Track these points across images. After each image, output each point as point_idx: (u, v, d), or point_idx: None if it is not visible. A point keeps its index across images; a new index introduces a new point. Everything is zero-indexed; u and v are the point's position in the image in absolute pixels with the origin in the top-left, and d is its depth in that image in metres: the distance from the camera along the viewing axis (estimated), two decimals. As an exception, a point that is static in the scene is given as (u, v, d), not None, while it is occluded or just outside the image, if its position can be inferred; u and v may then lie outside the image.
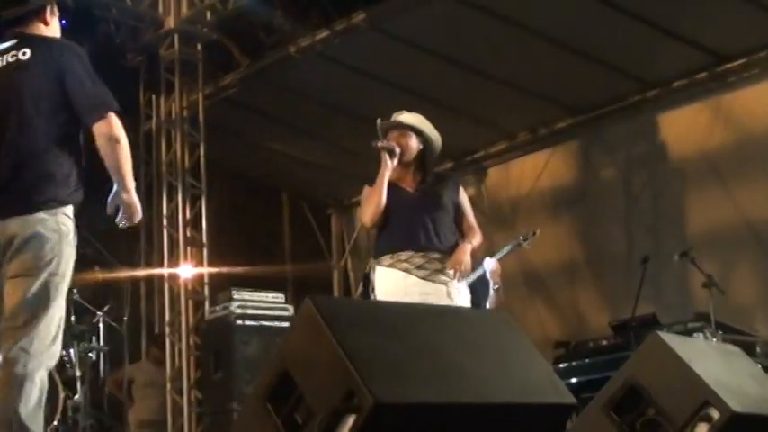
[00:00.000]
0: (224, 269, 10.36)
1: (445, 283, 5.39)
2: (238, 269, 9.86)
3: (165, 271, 9.98)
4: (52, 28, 4.53)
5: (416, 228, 5.41)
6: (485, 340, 3.44)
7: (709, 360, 3.95)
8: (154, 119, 10.54)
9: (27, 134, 4.26)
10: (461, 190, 5.76)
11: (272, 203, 13.20)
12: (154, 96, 10.52)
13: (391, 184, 5.48)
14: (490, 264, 7.17)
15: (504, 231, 10.87)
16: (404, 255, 5.39)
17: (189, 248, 9.97)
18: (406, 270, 5.36)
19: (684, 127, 10.25)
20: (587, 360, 8.56)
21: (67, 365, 7.61)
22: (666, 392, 3.77)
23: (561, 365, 8.56)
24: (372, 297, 5.43)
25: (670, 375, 3.75)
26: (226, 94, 10.87)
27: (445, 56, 9.88)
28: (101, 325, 7.86)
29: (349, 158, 11.46)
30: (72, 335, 7.59)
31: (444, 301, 5.30)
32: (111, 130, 4.24)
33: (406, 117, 5.65)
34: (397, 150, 5.49)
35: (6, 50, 4.36)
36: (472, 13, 9.25)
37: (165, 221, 10.01)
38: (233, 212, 12.01)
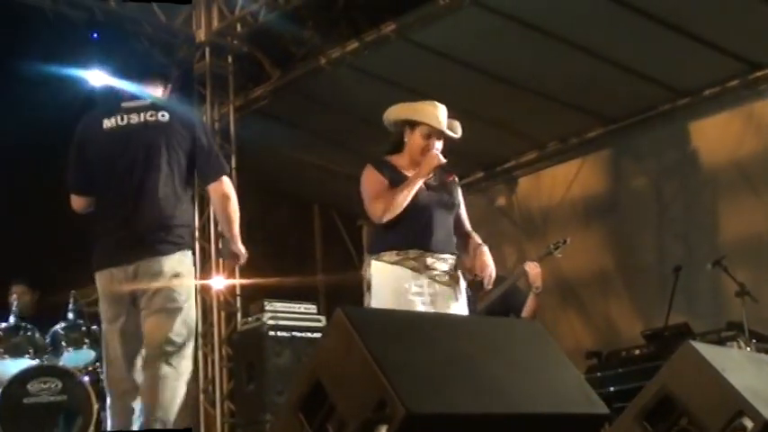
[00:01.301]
0: (256, 281, 10.38)
1: (451, 286, 5.15)
2: (270, 280, 9.84)
3: (198, 282, 10.01)
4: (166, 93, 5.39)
5: (429, 227, 5.12)
6: (517, 350, 3.42)
7: (743, 370, 3.91)
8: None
9: (168, 185, 5.07)
10: (460, 193, 5.49)
11: (303, 214, 13.22)
12: (186, 107, 10.56)
13: (404, 177, 5.21)
14: (532, 267, 7.14)
15: (535, 241, 10.88)
16: (413, 253, 5.09)
17: (221, 260, 9.96)
18: (413, 269, 5.07)
19: (715, 135, 10.19)
20: (620, 370, 8.49)
21: (102, 377, 7.63)
22: (700, 402, 3.73)
23: (594, 375, 8.51)
24: (368, 296, 5.15)
25: (703, 385, 3.71)
26: (257, 105, 10.92)
27: (475, 65, 9.89)
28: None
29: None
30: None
31: (450, 303, 5.11)
32: (225, 190, 5.23)
33: (457, 129, 5.37)
34: (444, 161, 5.22)
35: (143, 109, 5.15)
36: (501, 22, 9.24)
37: (197, 233, 10.02)
38: (264, 223, 12.01)
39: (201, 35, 10.34)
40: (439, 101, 10.09)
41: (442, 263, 5.13)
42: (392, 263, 5.07)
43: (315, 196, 13.21)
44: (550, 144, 11.34)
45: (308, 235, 13.20)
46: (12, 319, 7.71)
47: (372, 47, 9.80)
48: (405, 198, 5.07)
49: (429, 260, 5.08)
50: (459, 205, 5.38)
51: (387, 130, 10.49)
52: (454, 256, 5.21)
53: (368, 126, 11.02)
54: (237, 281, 10.02)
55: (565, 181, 11.31)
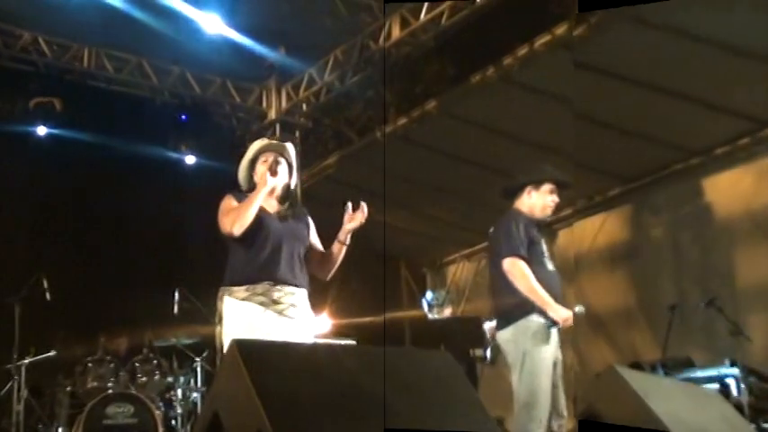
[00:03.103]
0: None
1: (295, 318, 4.57)
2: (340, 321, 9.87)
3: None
4: None
5: (274, 260, 4.58)
6: (422, 382, 3.21)
7: (670, 397, 3.74)
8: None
9: None
10: (312, 225, 5.01)
11: (372, 263, 13.21)
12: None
13: (259, 211, 4.67)
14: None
15: (572, 285, 10.74)
16: (260, 287, 4.53)
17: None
18: (262, 304, 4.51)
19: (729, 188, 9.91)
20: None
21: (174, 404, 7.80)
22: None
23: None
24: (219, 329, 4.58)
25: (625, 408, 3.54)
26: (326, 173, 11.04)
27: (509, 134, 9.84)
28: (198, 369, 8.02)
29: (436, 224, 11.50)
30: (175, 378, 7.81)
31: (292, 335, 4.53)
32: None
33: (284, 144, 4.94)
34: (278, 170, 4.76)
35: None
36: (530, 96, 9.24)
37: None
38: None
39: (272, 114, 10.57)
40: (481, 165, 10.18)
41: (290, 296, 4.60)
42: (242, 299, 4.53)
43: (381, 248, 13.21)
44: (579, 201, 11.19)
45: (376, 283, 13.14)
46: (99, 353, 8.09)
47: (418, 121, 9.92)
48: (247, 207, 4.57)
49: (276, 294, 4.54)
50: (307, 239, 4.88)
51: (437, 191, 10.63)
52: (303, 290, 4.71)
53: (421, 188, 11.17)
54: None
55: (592, 232, 11.16)
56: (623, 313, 10.72)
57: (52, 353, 7.99)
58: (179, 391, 7.83)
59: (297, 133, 10.78)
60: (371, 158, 10.74)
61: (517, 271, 5.24)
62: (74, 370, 8.02)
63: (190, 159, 10.36)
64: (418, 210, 11.68)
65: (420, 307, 13.18)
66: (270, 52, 10.25)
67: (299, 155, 10.74)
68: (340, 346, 5.11)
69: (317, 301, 10.81)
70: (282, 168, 4.80)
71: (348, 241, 4.82)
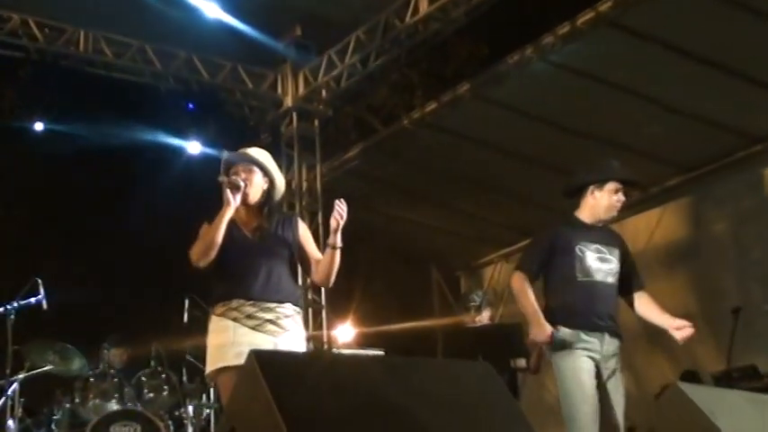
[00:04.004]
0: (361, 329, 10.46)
1: (274, 334, 4.74)
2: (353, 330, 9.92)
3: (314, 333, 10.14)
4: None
5: (249, 275, 4.80)
6: (449, 392, 3.26)
7: (736, 413, 3.74)
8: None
9: None
10: (301, 227, 5.06)
11: (401, 265, 13.25)
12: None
13: (230, 225, 4.84)
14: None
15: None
16: (235, 303, 4.76)
17: (309, 309, 10.16)
18: (235, 319, 4.73)
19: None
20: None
21: (185, 422, 7.86)
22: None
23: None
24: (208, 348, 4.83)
25: (690, 428, 3.55)
26: (348, 166, 11.12)
27: (551, 120, 9.86)
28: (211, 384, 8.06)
29: (470, 222, 11.51)
30: (183, 393, 7.88)
31: None
32: None
33: (254, 152, 5.06)
34: (242, 185, 4.86)
35: None
36: (573, 78, 9.24)
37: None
38: (352, 274, 12.08)
39: (289, 101, 10.66)
40: (516, 155, 10.20)
41: (267, 312, 4.78)
42: (218, 315, 4.80)
43: (410, 249, 13.26)
44: (632, 194, 11.08)
45: (405, 286, 13.19)
46: (101, 367, 8.13)
47: (449, 106, 9.93)
48: (212, 234, 4.76)
49: (250, 309, 4.76)
50: (289, 249, 4.93)
51: (471, 183, 10.66)
52: (283, 305, 4.84)
53: (453, 181, 11.18)
54: (324, 332, 10.05)
55: (647, 229, 11.10)
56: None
57: (49, 367, 8.08)
58: (190, 408, 7.87)
59: (315, 122, 10.87)
60: (398, 149, 10.81)
61: (514, 285, 5.59)
62: (73, 385, 8.07)
63: (198, 152, 10.44)
64: (450, 206, 11.69)
65: (455, 312, 13.23)
66: (285, 33, 10.33)
67: (318, 145, 10.90)
68: (366, 356, 5.13)
69: (338, 309, 10.98)
70: (257, 178, 4.95)
71: (339, 244, 4.84)
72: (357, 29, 10.01)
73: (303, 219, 10.34)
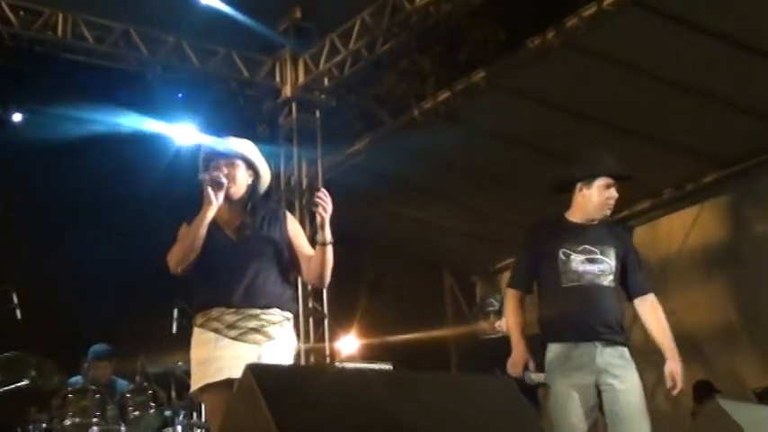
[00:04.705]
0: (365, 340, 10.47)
1: (258, 343, 4.69)
2: (358, 342, 9.95)
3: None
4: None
5: (230, 281, 4.73)
6: (475, 415, 3.25)
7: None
8: (273, 188, 10.84)
9: None
10: (290, 221, 4.98)
11: (410, 270, 13.28)
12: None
13: (210, 225, 4.77)
14: None
15: (656, 293, 10.67)
16: (215, 312, 4.71)
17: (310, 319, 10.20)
18: (216, 330, 4.68)
19: None
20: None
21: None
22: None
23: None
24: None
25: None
26: (353, 161, 11.12)
27: (575, 111, 9.85)
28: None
29: (486, 222, 11.51)
30: (172, 411, 7.89)
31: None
32: None
33: (236, 144, 4.99)
34: (224, 181, 4.80)
35: None
36: (600, 65, 9.24)
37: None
38: (357, 280, 12.13)
39: (287, 90, 10.68)
40: (539, 149, 10.22)
41: (250, 320, 4.72)
42: (199, 326, 4.77)
43: (420, 251, 13.27)
44: (665, 191, 11.16)
45: (416, 291, 13.21)
46: (81, 380, 8.10)
47: (463, 96, 9.94)
48: (190, 236, 4.74)
49: (231, 318, 4.71)
50: (276, 248, 4.87)
51: (487, 181, 10.69)
52: (269, 311, 4.77)
53: (468, 177, 11.19)
54: (327, 344, 10.07)
55: (682, 230, 11.11)
56: (722, 331, 10.69)
57: (24, 382, 8.09)
58: (179, 428, 7.83)
59: (316, 113, 10.89)
60: (408, 143, 10.78)
61: (504, 304, 5.83)
62: (50, 403, 8.05)
63: (188, 146, 10.45)
64: (464, 205, 11.70)
65: (471, 321, 13.20)
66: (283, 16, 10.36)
67: (320, 138, 10.92)
68: (373, 371, 5.11)
69: (341, 318, 11.01)
70: (240, 173, 4.90)
71: (329, 239, 4.79)
72: (362, 11, 10.01)
73: (303, 219, 10.54)
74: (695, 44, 8.82)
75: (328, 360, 10.16)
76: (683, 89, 9.37)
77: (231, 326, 4.68)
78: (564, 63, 9.23)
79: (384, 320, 11.80)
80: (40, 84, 10.06)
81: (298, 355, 10.20)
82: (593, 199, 5.56)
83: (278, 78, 10.86)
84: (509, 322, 5.65)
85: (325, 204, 4.77)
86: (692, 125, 9.80)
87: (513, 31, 9.75)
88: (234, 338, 4.66)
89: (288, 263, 4.88)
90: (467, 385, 3.76)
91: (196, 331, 4.77)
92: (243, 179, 4.90)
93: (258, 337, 4.70)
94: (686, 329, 10.48)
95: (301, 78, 10.75)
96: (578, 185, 5.61)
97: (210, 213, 4.75)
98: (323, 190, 4.80)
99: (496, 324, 7.61)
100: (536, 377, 5.43)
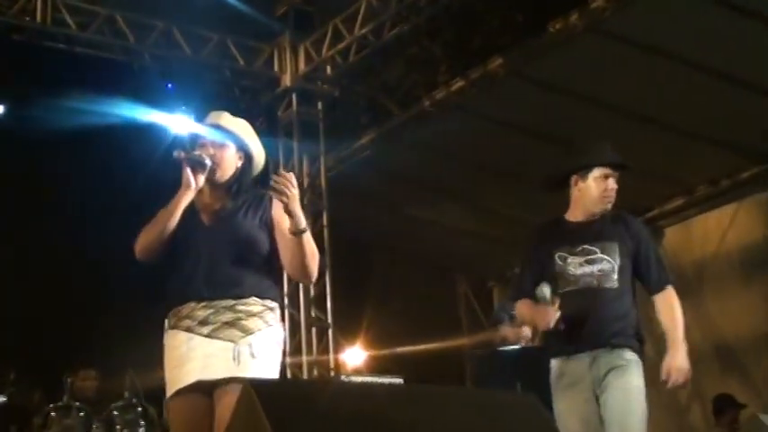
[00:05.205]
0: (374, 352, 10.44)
1: (235, 340, 4.41)
2: (367, 353, 9.94)
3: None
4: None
5: (199, 271, 4.48)
6: (485, 427, 3.22)
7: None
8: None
9: None
10: (276, 207, 4.58)
11: (421, 275, 13.25)
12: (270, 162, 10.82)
13: (186, 209, 4.55)
14: None
15: (690, 299, 10.64)
16: (185, 309, 4.45)
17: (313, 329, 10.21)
18: (188, 329, 4.43)
19: None
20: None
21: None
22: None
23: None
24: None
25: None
26: (358, 157, 11.11)
27: (601, 100, 9.82)
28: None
29: (504, 223, 11.48)
30: (163, 429, 7.88)
31: (230, 366, 4.35)
32: None
33: (228, 122, 4.79)
34: (209, 164, 4.57)
35: None
36: (628, 51, 9.21)
37: (285, 300, 10.17)
38: (363, 286, 12.11)
39: (287, 80, 10.67)
40: (562, 141, 10.20)
41: (224, 312, 4.45)
42: (171, 327, 4.51)
43: (432, 255, 13.26)
44: (699, 188, 11.14)
45: (428, 299, 13.18)
46: (64, 398, 8.05)
47: (479, 85, 9.92)
48: (161, 221, 4.52)
49: (203, 313, 4.45)
50: (255, 232, 4.59)
51: (506, 177, 10.66)
52: (245, 300, 4.50)
53: (484, 174, 11.17)
54: (331, 356, 10.06)
55: (718, 230, 11.09)
56: (761, 338, 10.64)
57: (2, 399, 8.08)
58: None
59: (319, 105, 10.88)
60: (418, 136, 10.78)
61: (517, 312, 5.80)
62: (31, 421, 8.07)
63: (178, 137, 10.43)
64: (480, 204, 11.69)
65: (487, 330, 13.16)
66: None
67: (323, 132, 10.90)
68: (382, 385, 5.03)
69: (347, 328, 10.95)
70: (229, 154, 4.68)
71: (301, 226, 4.42)
72: (368, -7, 10.04)
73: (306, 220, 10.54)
74: (734, 28, 8.78)
75: (333, 373, 10.15)
76: (719, 76, 9.33)
77: (203, 322, 4.42)
78: (589, 48, 9.20)
79: (393, 330, 11.79)
80: (18, 74, 10.04)
81: (298, 368, 10.26)
82: (591, 192, 5.49)
83: (276, 67, 10.86)
84: (525, 312, 5.57)
85: (284, 188, 4.37)
86: (728, 115, 9.76)
87: (533, 13, 9.69)
88: (207, 336, 4.39)
89: (270, 252, 4.58)
90: (485, 401, 3.71)
91: (169, 334, 4.51)
92: (231, 162, 4.68)
93: (234, 332, 4.42)
94: (723, 337, 10.52)
95: (302, 67, 10.75)
96: (573, 179, 5.56)
97: (186, 198, 4.55)
98: (282, 172, 4.42)
99: (522, 332, 7.54)
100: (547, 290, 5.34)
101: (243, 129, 4.80)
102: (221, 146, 4.65)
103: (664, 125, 10.01)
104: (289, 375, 9.94)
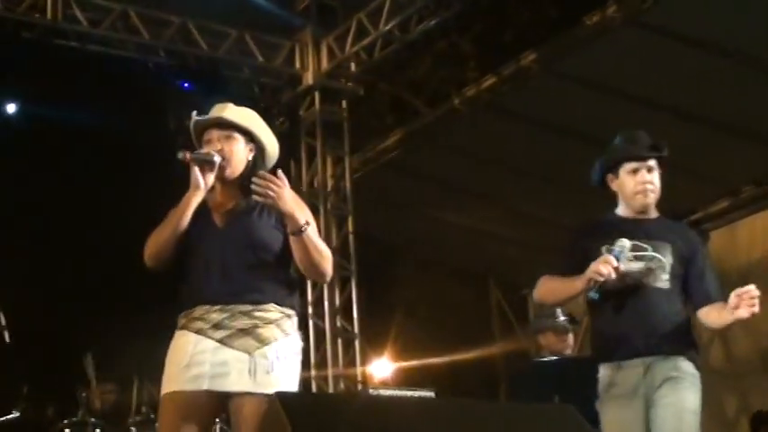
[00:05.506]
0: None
1: (250, 351, 4.35)
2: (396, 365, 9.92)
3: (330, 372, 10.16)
4: None
5: (215, 273, 4.43)
6: None
7: None
8: (294, 190, 10.79)
9: None
10: None
11: (452, 283, 13.23)
12: (293, 163, 10.83)
13: (197, 209, 4.50)
14: None
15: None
16: (198, 311, 4.40)
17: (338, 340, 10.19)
18: (199, 331, 4.38)
19: None
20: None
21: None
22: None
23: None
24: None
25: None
26: (385, 158, 11.10)
27: (640, 97, 9.79)
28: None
29: (538, 227, 11.45)
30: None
31: (245, 379, 4.30)
32: None
33: (234, 113, 4.66)
34: (217, 160, 4.49)
35: None
36: (670, 44, 9.18)
37: (309, 309, 10.17)
38: (391, 294, 12.10)
39: (309, 78, 10.66)
40: (601, 142, 10.14)
41: (241, 318, 4.40)
42: (180, 329, 4.45)
43: (464, 261, 13.24)
44: (745, 189, 11.08)
45: (461, 306, 13.17)
46: (79, 413, 8.01)
47: (512, 82, 9.93)
48: (171, 224, 4.47)
49: (217, 316, 4.40)
50: (274, 233, 4.53)
51: (541, 180, 10.63)
52: (263, 306, 4.44)
53: (518, 176, 11.14)
54: (359, 368, 10.05)
55: (765, 233, 11.03)
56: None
57: (14, 414, 8.09)
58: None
59: (343, 104, 10.83)
60: (447, 137, 10.81)
61: (535, 294, 5.67)
62: (44, 437, 8.11)
63: (181, 135, 10.46)
64: (513, 207, 11.67)
65: (523, 338, 13.14)
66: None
67: (347, 132, 10.89)
68: (412, 399, 4.99)
69: (375, 339, 10.91)
70: (239, 148, 4.58)
71: (300, 224, 4.34)
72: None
73: (329, 224, 10.54)
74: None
75: (360, 387, 10.14)
76: (765, 69, 9.31)
77: (217, 325, 4.37)
78: (627, 42, 9.18)
79: (422, 341, 11.79)
80: (29, 73, 10.07)
81: (323, 380, 10.25)
82: (626, 188, 5.45)
83: (298, 64, 10.82)
84: (547, 285, 5.44)
85: (267, 190, 4.31)
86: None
87: (567, 5, 9.68)
88: (219, 341, 4.35)
89: (288, 253, 4.49)
90: (522, 415, 3.68)
91: (177, 335, 4.45)
92: (241, 156, 4.58)
93: (249, 342, 4.37)
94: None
95: (325, 64, 10.71)
96: (609, 178, 5.56)
97: (197, 199, 4.47)
98: (262, 173, 4.36)
99: (564, 340, 7.48)
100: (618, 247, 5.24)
101: (251, 119, 4.69)
102: (229, 138, 4.57)
103: (707, 122, 9.98)
104: (314, 389, 9.97)
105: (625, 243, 5.03)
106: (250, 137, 4.61)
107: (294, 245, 4.40)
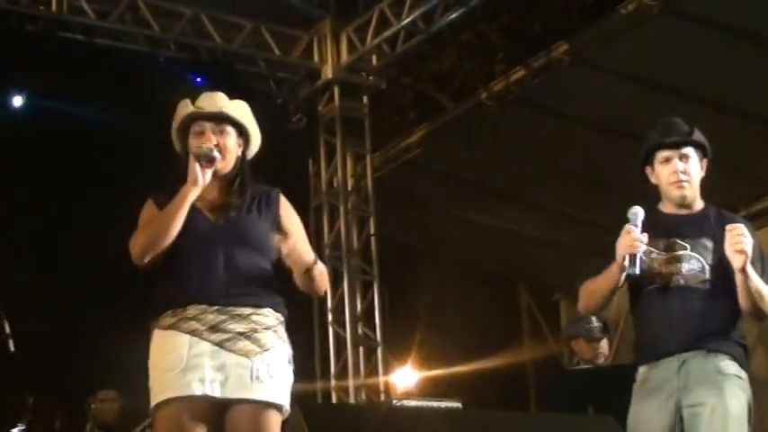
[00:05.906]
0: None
1: (249, 355, 4.35)
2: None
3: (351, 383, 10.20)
4: None
5: (211, 273, 4.41)
6: None
7: None
8: (312, 190, 10.86)
9: None
10: (284, 206, 4.62)
11: (479, 287, 13.24)
12: (311, 162, 10.87)
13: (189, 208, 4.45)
14: None
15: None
16: (192, 310, 4.36)
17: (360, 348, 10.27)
18: (193, 332, 4.33)
19: None
20: None
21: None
22: None
23: None
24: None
25: None
26: (408, 156, 11.15)
27: (678, 90, 9.79)
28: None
29: (571, 228, 11.45)
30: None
31: (246, 384, 4.30)
32: None
33: (233, 108, 4.60)
34: (217, 156, 4.45)
35: None
36: (709, 34, 9.22)
37: (329, 316, 10.21)
38: (415, 299, 12.11)
39: (328, 72, 10.70)
40: (634, 137, 10.16)
41: (239, 321, 4.39)
42: (167, 327, 4.37)
43: (492, 264, 13.24)
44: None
45: (484, 313, 13.17)
46: (88, 426, 8.23)
47: (542, 74, 9.96)
48: (167, 220, 4.43)
49: (215, 318, 4.38)
50: (268, 232, 4.55)
51: (573, 178, 10.62)
52: (261, 311, 4.44)
53: (549, 174, 11.13)
54: (380, 378, 10.09)
55: (816, 235, 11.00)
56: None
57: (20, 427, 8.15)
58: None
59: (364, 99, 10.91)
60: (473, 133, 10.82)
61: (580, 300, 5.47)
62: (51, 450, 8.17)
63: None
64: (544, 206, 11.67)
65: (554, 345, 13.12)
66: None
67: (368, 129, 10.94)
68: (438, 409, 5.03)
69: (398, 347, 10.95)
70: (231, 142, 4.56)
71: (310, 261, 4.47)
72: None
73: (350, 227, 10.57)
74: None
75: (383, 397, 10.16)
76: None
77: (214, 327, 4.35)
78: (665, 32, 9.20)
79: (448, 348, 11.77)
80: (33, 67, 10.12)
81: (344, 391, 10.27)
82: (662, 180, 5.45)
83: (316, 57, 10.88)
84: (589, 285, 5.31)
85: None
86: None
87: (603, -8, 9.70)
88: (217, 344, 4.33)
89: (277, 258, 4.53)
90: (558, 427, 3.72)
91: (160, 335, 4.37)
92: (233, 150, 4.56)
93: (248, 346, 4.36)
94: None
95: (344, 57, 10.77)
96: (646, 170, 5.56)
97: (193, 195, 4.42)
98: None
99: (599, 347, 7.49)
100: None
101: (247, 114, 4.65)
102: (222, 132, 4.54)
103: (749, 116, 9.97)
104: (334, 400, 10.00)
105: (637, 209, 5.00)
106: (240, 130, 4.60)
107: (302, 281, 4.47)
